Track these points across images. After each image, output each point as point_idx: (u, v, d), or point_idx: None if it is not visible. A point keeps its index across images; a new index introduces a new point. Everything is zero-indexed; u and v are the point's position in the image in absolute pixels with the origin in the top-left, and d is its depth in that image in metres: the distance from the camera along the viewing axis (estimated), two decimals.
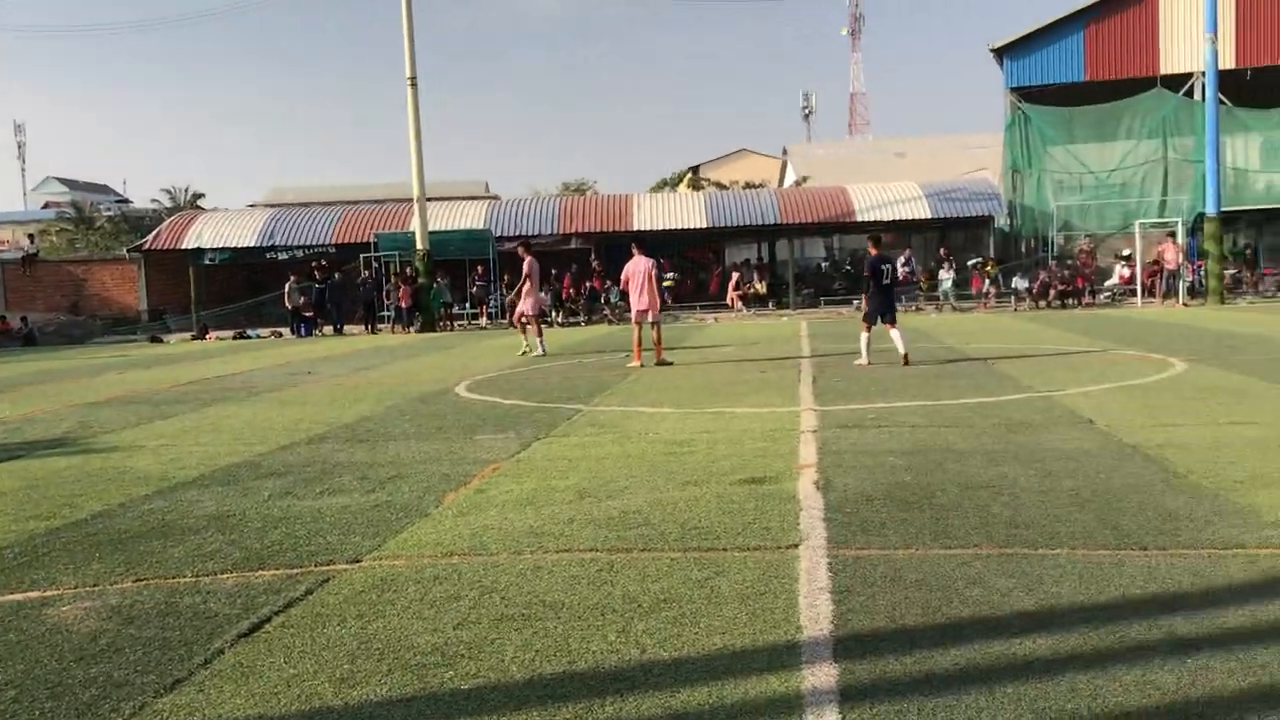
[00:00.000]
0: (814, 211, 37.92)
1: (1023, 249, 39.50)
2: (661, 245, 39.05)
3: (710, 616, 4.54)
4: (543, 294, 34.45)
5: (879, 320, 15.36)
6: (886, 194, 38.36)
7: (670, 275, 34.05)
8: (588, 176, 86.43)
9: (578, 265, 37.42)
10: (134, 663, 4.27)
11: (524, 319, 20.40)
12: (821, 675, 3.86)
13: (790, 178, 61.38)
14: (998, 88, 39.86)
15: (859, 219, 37.30)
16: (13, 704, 3.89)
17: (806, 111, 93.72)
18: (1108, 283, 34.64)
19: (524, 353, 19.97)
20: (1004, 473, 7.23)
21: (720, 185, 53.70)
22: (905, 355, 14.87)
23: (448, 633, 4.47)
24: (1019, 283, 34.19)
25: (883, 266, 15.46)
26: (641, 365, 16.39)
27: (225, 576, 5.48)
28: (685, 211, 38.77)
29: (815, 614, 4.52)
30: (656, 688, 3.81)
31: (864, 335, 15.46)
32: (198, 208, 54.14)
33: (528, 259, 19.82)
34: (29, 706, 3.87)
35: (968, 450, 8.14)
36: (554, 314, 34.54)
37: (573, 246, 37.88)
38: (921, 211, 37.36)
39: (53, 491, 7.94)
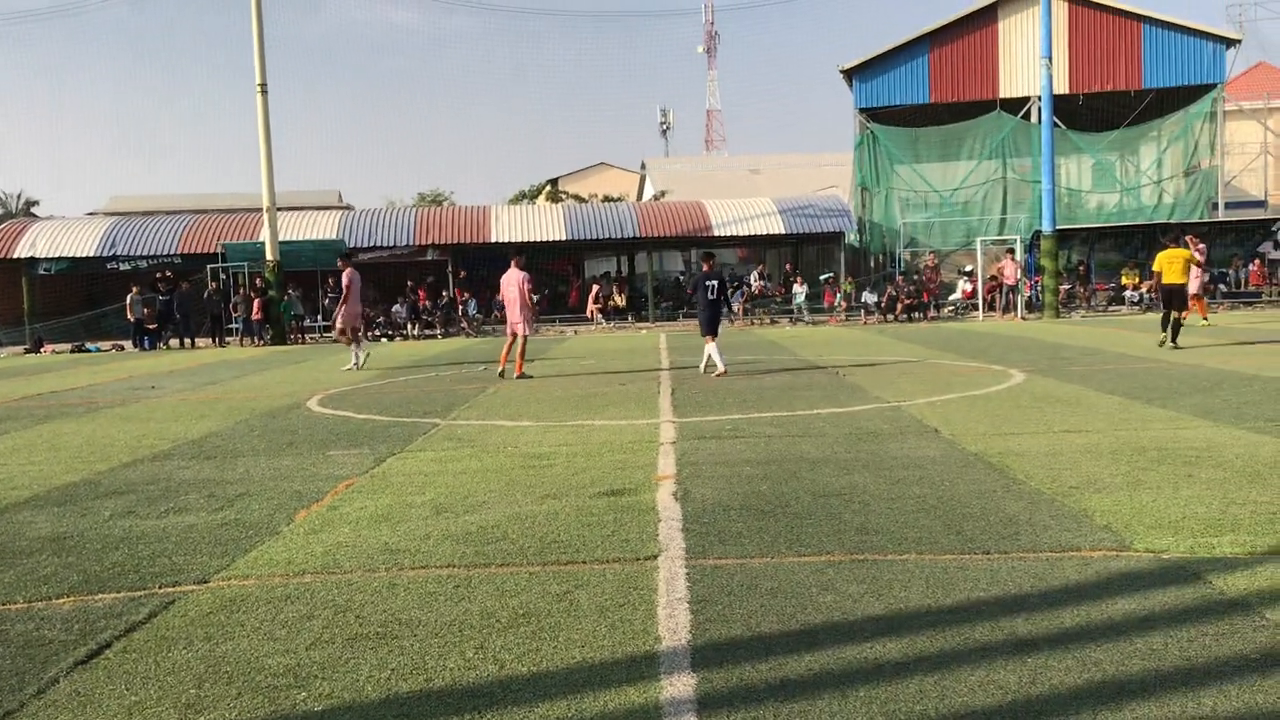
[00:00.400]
0: (672, 225, 38.38)
1: (872, 264, 40.75)
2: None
3: (569, 630, 4.54)
4: (398, 307, 34.09)
5: (712, 333, 15.97)
6: (742, 209, 39.09)
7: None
8: (445, 187, 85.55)
9: (434, 277, 37.01)
10: None
11: (349, 332, 19.96)
12: (680, 685, 3.90)
13: (649, 192, 61.95)
14: (848, 108, 41.09)
15: (716, 233, 37.88)
16: None
17: (665, 127, 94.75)
18: (951, 297, 36.00)
19: (350, 369, 19.52)
20: (855, 481, 7.43)
21: (579, 198, 53.89)
22: (722, 370, 15.53)
23: (300, 653, 4.35)
24: (868, 297, 35.25)
25: (708, 283, 16.11)
26: (502, 375, 16.34)
27: (61, 601, 5.22)
28: (544, 224, 38.75)
29: (674, 624, 4.55)
30: (515, 703, 3.78)
31: (708, 347, 15.95)
32: (31, 215, 51.53)
33: (347, 271, 19.64)
34: None
35: (821, 459, 8.34)
36: (410, 326, 34.06)
37: (429, 258, 37.44)
38: (776, 227, 38.20)
39: None
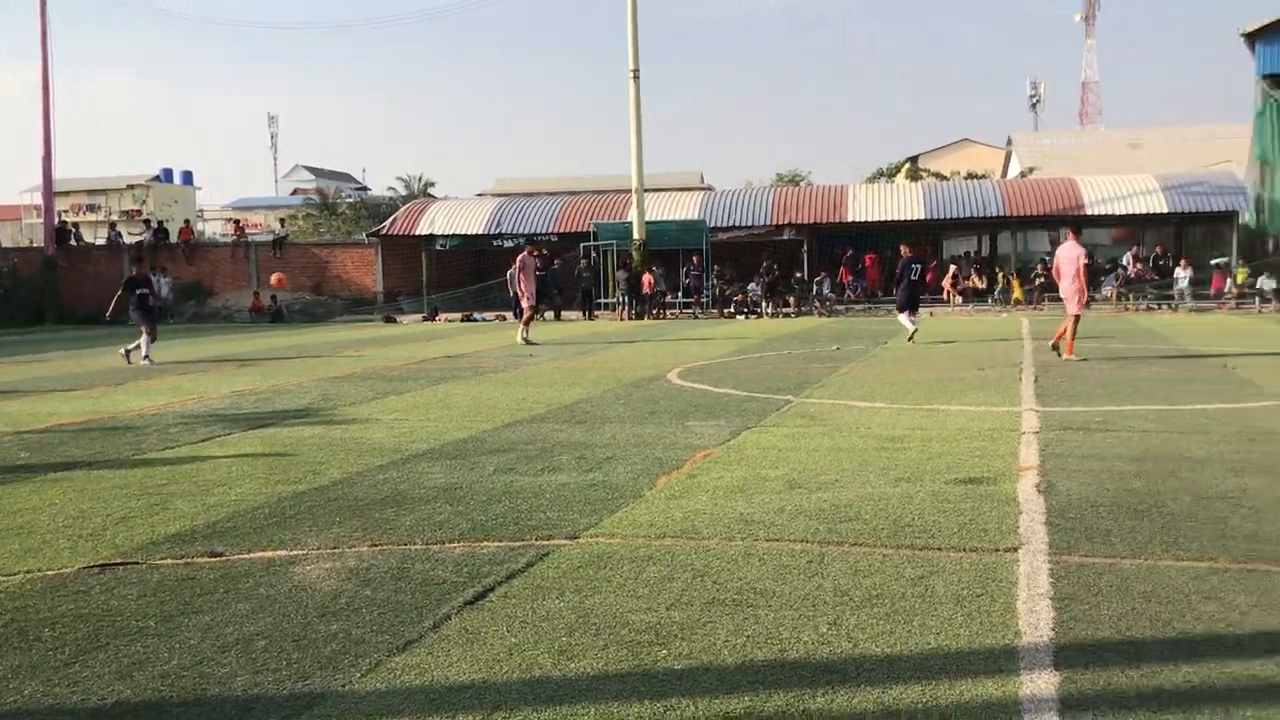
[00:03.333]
0: (1040, 204, 36.41)
1: (1270, 246, 36.77)
2: (876, 237, 38.38)
3: (924, 615, 4.49)
4: (753, 285, 34.63)
5: (908, 310, 19.70)
6: (1119, 186, 36.42)
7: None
8: (802, 168, 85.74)
9: (789, 256, 37.24)
10: (370, 622, 4.57)
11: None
12: (1041, 682, 3.76)
13: (1015, 169, 59.13)
14: (1247, 76, 37.22)
15: (1089, 212, 35.55)
16: (263, 653, 4.23)
17: (1034, 100, 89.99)
18: None
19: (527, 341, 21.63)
20: (1245, 484, 6.81)
21: (940, 176, 52.27)
22: (911, 335, 19.30)
23: (661, 612, 4.58)
24: (1265, 283, 31.85)
25: (913, 266, 19.76)
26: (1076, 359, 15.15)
27: (453, 545, 5.77)
28: (902, 203, 37.93)
29: (1035, 620, 4.39)
30: (869, 683, 3.80)
31: (901, 317, 19.93)
32: (429, 196, 56.59)
33: (520, 256, 22.82)
34: (277, 656, 4.20)
35: (1204, 459, 7.70)
36: (765, 305, 34.47)
37: (786, 238, 37.67)
38: (1157, 205, 35.29)
39: (298, 459, 8.54)
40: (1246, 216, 35.94)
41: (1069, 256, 15.72)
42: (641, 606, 4.67)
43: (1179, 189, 35.52)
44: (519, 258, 22.74)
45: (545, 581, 5.08)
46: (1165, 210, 35.35)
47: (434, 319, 35.26)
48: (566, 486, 7.19)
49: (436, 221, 39.63)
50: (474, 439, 9.31)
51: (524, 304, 22.90)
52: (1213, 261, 34.44)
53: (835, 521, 6.08)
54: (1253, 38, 36.36)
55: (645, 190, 35.50)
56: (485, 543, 5.81)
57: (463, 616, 4.61)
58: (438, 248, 39.55)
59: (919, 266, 19.94)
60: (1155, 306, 32.52)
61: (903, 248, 20.29)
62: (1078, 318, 15.69)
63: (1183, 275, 32.69)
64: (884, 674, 3.87)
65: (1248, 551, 5.30)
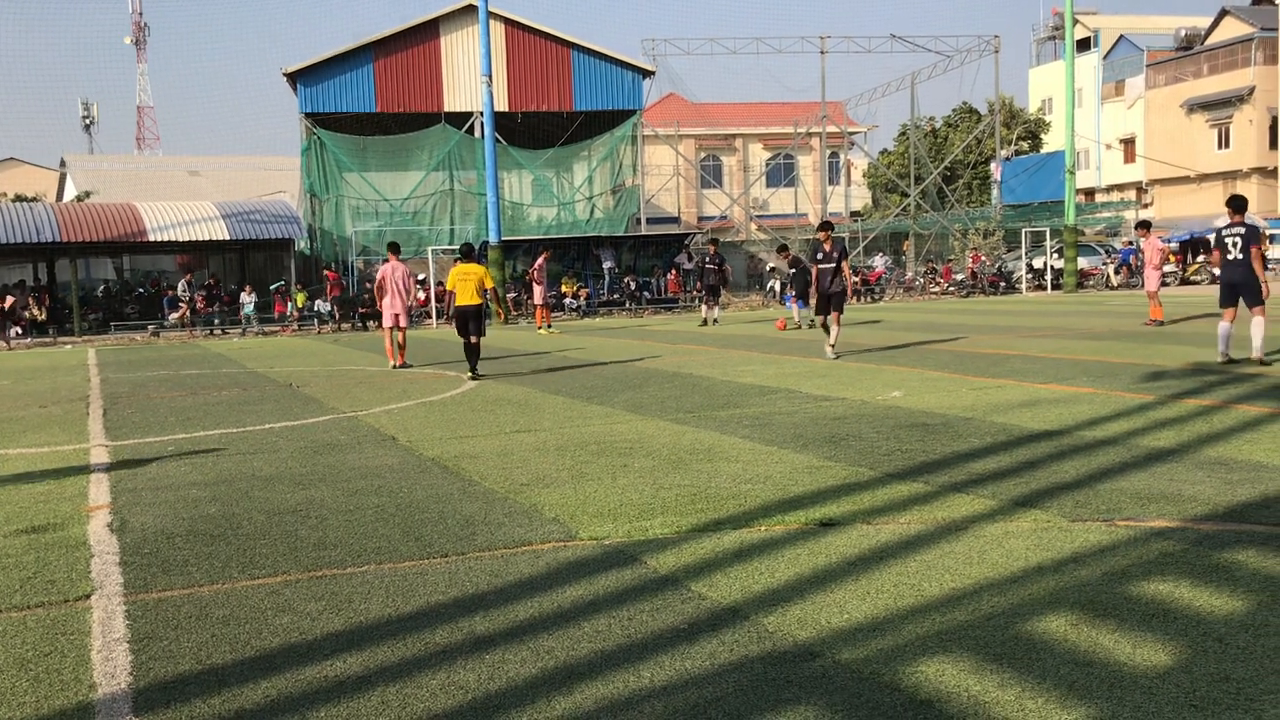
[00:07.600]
0: (101, 229, 34.97)
1: (325, 273, 40.09)
2: None
3: None
4: None
5: None
6: (182, 213, 36.62)
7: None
8: None
9: None
10: None
11: None
12: None
13: (71, 192, 56.19)
14: (294, 112, 40.06)
15: (152, 238, 35.17)
16: None
17: (88, 122, 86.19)
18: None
19: None
20: (311, 496, 7.24)
21: None
22: None
23: None
24: (321, 306, 34.62)
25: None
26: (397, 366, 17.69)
27: None
28: None
29: (111, 668, 4.13)
30: None
31: None
32: None
33: None
34: None
35: (274, 476, 8.02)
36: None
37: None
38: (220, 232, 36.22)
39: None
40: (302, 244, 38.65)
41: (397, 274, 18.13)
42: None
43: (238, 217, 36.85)
44: None
45: None
46: (227, 237, 36.43)
47: None
48: None
49: None
50: None
51: None
52: (271, 286, 36.37)
53: None
54: (294, 78, 39.17)
55: None
56: None
57: None
58: None
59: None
60: (224, 332, 33.32)
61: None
62: (400, 330, 18.27)
63: (248, 300, 33.99)
64: None
65: (316, 559, 5.62)
